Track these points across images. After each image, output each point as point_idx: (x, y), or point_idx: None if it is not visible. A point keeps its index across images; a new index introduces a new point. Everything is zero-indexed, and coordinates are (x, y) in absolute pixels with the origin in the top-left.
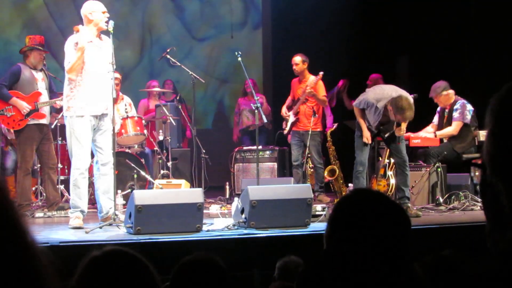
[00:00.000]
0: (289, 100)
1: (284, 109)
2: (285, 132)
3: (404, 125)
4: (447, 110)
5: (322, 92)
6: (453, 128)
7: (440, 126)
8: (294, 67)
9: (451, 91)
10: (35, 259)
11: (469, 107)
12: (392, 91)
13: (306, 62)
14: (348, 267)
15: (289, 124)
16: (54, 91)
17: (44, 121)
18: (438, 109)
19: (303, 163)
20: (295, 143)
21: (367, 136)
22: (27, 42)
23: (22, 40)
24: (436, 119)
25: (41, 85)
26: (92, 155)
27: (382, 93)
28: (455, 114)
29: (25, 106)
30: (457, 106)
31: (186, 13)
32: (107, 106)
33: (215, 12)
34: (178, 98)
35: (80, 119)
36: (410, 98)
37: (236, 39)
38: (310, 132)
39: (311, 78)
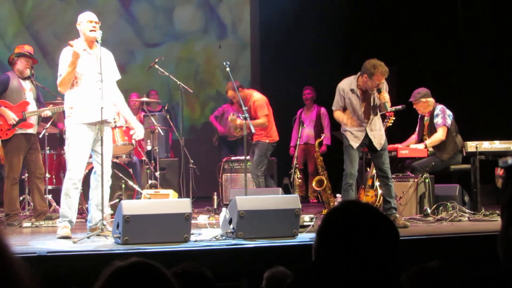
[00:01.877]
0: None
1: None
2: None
3: (384, 92)
4: (426, 118)
5: (261, 112)
6: (440, 134)
7: (420, 134)
8: (235, 100)
9: (431, 100)
10: (9, 268)
11: (449, 112)
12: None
13: (239, 86)
14: (337, 278)
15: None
16: (42, 101)
17: (31, 130)
18: (420, 116)
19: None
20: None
21: (349, 122)
22: (15, 51)
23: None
24: (417, 128)
25: (29, 95)
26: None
27: (349, 78)
28: (438, 120)
29: (11, 117)
30: (437, 111)
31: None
32: (106, 114)
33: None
34: (166, 108)
35: (79, 128)
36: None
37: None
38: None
39: (254, 96)
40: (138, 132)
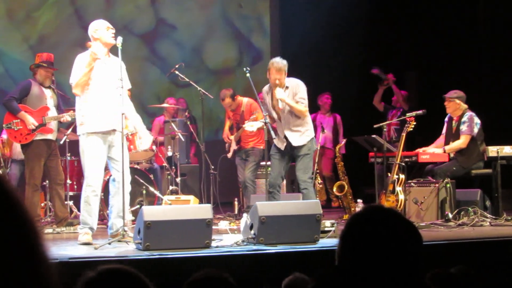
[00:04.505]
0: (228, 121)
1: (225, 132)
2: (229, 155)
3: (276, 90)
4: (455, 121)
5: (261, 116)
6: (461, 141)
7: (447, 137)
8: (230, 108)
9: (464, 105)
10: (46, 272)
11: (477, 120)
12: None
13: (233, 95)
14: (360, 283)
15: (231, 150)
16: (62, 109)
17: (50, 136)
18: (446, 118)
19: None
20: (239, 163)
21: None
22: (36, 60)
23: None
24: (444, 129)
25: (50, 102)
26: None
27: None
28: (463, 127)
29: (31, 122)
30: (464, 118)
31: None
32: (116, 122)
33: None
34: (186, 114)
35: (93, 136)
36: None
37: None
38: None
39: (245, 101)
40: (144, 142)
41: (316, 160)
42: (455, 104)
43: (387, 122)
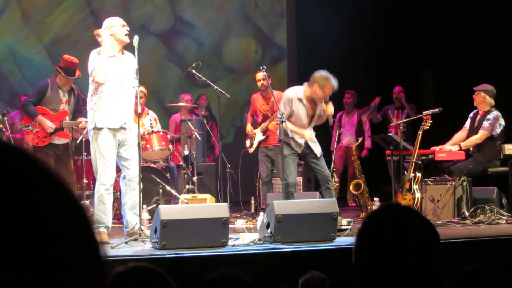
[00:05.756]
0: (250, 118)
1: (249, 127)
2: (251, 150)
3: (330, 105)
4: (480, 116)
5: None
6: (478, 136)
7: (470, 131)
8: (262, 82)
9: (491, 100)
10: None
11: (502, 121)
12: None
13: (270, 77)
14: (377, 281)
15: (255, 142)
16: (81, 111)
17: (63, 140)
18: (471, 114)
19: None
20: (262, 159)
21: (302, 134)
22: (61, 61)
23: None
24: (468, 123)
25: (64, 107)
26: (118, 170)
27: (296, 87)
28: (485, 123)
29: (49, 126)
30: (489, 116)
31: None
32: (126, 120)
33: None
34: (203, 113)
35: (103, 133)
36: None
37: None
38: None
39: (275, 93)
40: None
41: (333, 158)
42: (481, 97)
43: (404, 120)
